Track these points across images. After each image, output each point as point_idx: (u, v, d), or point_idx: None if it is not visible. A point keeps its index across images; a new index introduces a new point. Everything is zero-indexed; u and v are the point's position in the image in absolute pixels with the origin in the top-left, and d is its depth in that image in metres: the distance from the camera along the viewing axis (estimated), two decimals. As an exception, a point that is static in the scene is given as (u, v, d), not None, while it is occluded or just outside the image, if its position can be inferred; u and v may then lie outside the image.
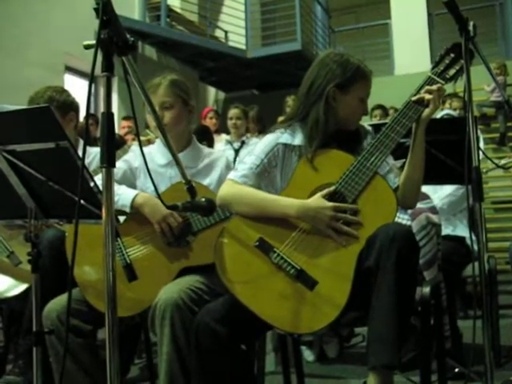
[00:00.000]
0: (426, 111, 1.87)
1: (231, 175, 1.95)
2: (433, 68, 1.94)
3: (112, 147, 1.26)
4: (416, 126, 1.89)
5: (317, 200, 1.79)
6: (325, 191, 1.79)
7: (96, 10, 1.25)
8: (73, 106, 2.72)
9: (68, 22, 7.57)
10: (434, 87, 1.87)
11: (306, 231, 1.79)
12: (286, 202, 1.81)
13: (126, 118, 6.13)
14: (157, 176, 2.25)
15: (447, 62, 1.93)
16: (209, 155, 2.37)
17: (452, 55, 1.93)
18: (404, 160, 2.32)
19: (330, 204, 1.76)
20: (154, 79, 2.29)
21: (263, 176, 1.96)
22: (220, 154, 2.40)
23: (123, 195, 2.12)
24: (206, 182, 2.24)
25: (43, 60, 7.28)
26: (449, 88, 2.17)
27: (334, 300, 1.68)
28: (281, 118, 5.50)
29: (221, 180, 2.27)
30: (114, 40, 1.27)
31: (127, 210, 2.11)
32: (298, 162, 1.92)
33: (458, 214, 3.57)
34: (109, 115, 1.26)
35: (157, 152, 2.33)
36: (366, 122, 2.12)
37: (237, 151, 5.14)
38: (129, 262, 2.11)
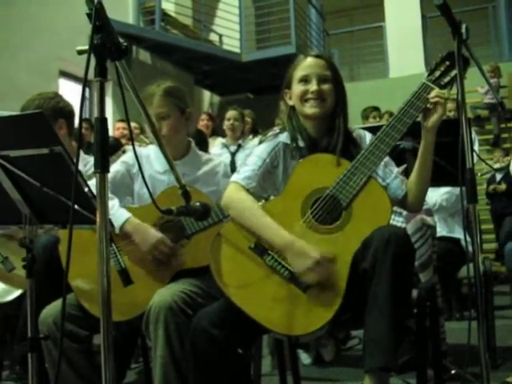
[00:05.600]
0: (434, 117, 1.87)
1: (234, 177, 1.95)
2: (428, 75, 1.95)
3: (106, 153, 1.26)
4: (425, 132, 1.90)
5: (307, 245, 1.74)
6: (320, 251, 1.72)
7: (89, 15, 1.25)
8: (63, 113, 2.60)
9: (62, 27, 7.56)
10: (443, 93, 1.88)
11: (300, 234, 1.79)
12: (276, 231, 1.78)
13: (121, 121, 6.08)
14: (154, 182, 2.25)
15: (442, 69, 1.94)
16: (207, 162, 2.36)
17: (447, 63, 1.94)
18: (405, 165, 2.33)
19: (317, 256, 1.70)
20: (148, 88, 2.26)
21: (266, 177, 1.96)
22: (218, 162, 2.39)
23: (114, 216, 2.10)
24: (204, 190, 2.22)
25: (37, 65, 7.26)
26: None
27: (327, 301, 1.68)
28: (278, 121, 5.51)
29: (219, 188, 2.26)
30: (107, 45, 1.27)
31: (116, 231, 2.10)
32: (297, 163, 1.93)
33: (455, 215, 3.58)
34: (102, 120, 1.26)
35: (154, 158, 2.33)
36: (360, 125, 2.13)
37: (233, 155, 5.14)
38: (124, 266, 2.11)
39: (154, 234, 2.09)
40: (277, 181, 2.00)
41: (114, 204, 2.13)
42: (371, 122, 5.47)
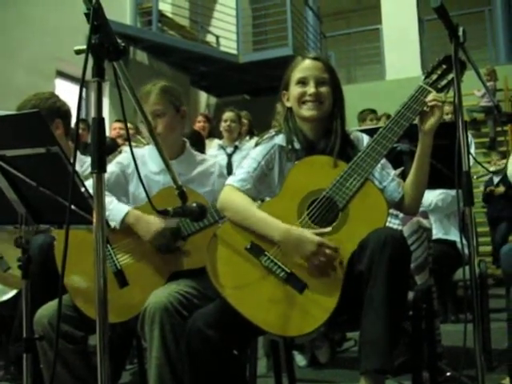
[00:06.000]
0: (431, 120, 1.87)
1: (230, 180, 1.96)
2: (425, 78, 1.95)
3: (103, 153, 1.25)
4: (422, 135, 1.90)
5: (304, 230, 1.76)
6: (318, 231, 1.76)
7: (87, 15, 1.25)
8: (60, 113, 2.60)
9: (59, 27, 7.55)
10: (440, 97, 1.89)
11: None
12: (272, 224, 1.79)
13: (118, 121, 6.07)
14: (149, 182, 2.24)
15: (439, 72, 1.94)
16: (202, 162, 2.36)
17: (444, 66, 1.94)
18: (402, 168, 2.34)
19: (318, 238, 1.73)
20: (144, 87, 2.27)
21: (261, 179, 1.97)
22: (213, 162, 2.39)
23: (114, 211, 2.10)
24: (199, 190, 2.22)
25: (34, 64, 7.25)
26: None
27: (323, 303, 1.68)
28: (275, 123, 5.51)
29: (214, 188, 2.26)
30: (105, 45, 1.26)
31: (117, 226, 2.10)
32: (293, 165, 1.93)
33: (451, 217, 3.59)
34: (99, 121, 1.26)
35: (149, 158, 2.32)
36: (356, 127, 2.13)
37: (230, 156, 5.14)
38: (119, 268, 2.10)
39: (157, 222, 2.08)
40: (272, 183, 2.00)
41: (111, 200, 2.13)
42: (368, 125, 5.46)
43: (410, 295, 2.00)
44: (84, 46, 1.27)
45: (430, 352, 2.30)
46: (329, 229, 1.76)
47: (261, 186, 1.97)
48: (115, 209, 2.11)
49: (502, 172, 4.13)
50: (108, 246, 2.12)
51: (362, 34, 12.18)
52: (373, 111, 5.88)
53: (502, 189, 6.85)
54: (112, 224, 2.09)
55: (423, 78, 1.96)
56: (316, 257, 1.71)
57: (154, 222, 2.07)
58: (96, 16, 1.24)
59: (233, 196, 1.91)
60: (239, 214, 1.86)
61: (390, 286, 1.60)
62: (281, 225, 1.78)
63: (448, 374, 2.62)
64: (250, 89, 11.54)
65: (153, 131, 1.61)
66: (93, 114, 1.28)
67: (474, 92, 8.47)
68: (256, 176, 1.95)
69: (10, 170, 1.67)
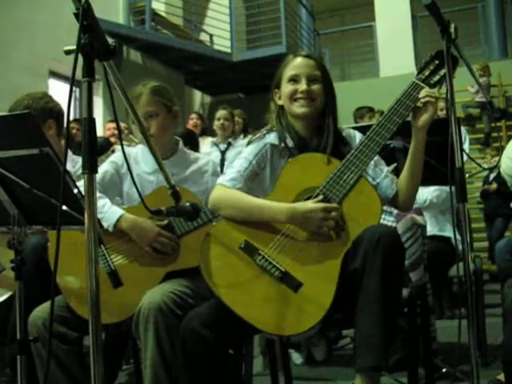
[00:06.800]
0: (424, 116, 1.87)
1: (220, 180, 1.95)
2: (417, 74, 1.95)
3: (94, 153, 1.25)
4: (416, 131, 1.90)
5: (306, 203, 1.78)
6: (314, 200, 1.78)
7: (76, 14, 1.24)
8: (52, 113, 2.58)
9: (52, 27, 7.52)
10: (433, 92, 1.89)
11: (290, 234, 1.79)
12: (276, 207, 1.80)
13: (112, 121, 6.07)
14: (142, 182, 2.24)
15: (432, 68, 1.94)
16: (195, 161, 2.35)
17: (436, 62, 1.94)
18: (395, 164, 2.34)
19: (320, 205, 1.75)
20: (135, 88, 2.26)
21: (252, 178, 1.96)
22: (206, 160, 2.38)
23: (107, 214, 2.09)
24: (193, 189, 2.21)
25: (27, 65, 7.23)
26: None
27: (318, 301, 1.68)
28: (270, 121, 5.50)
29: (208, 187, 2.25)
30: (95, 45, 1.26)
31: (110, 229, 2.09)
32: (286, 162, 1.93)
33: (446, 213, 3.60)
34: (90, 121, 1.25)
35: (142, 158, 2.32)
36: (351, 124, 2.13)
37: (223, 153, 5.14)
38: (113, 268, 2.10)
39: (152, 228, 2.08)
40: (264, 182, 1.99)
41: (105, 203, 2.12)
42: (366, 122, 5.44)
43: (405, 292, 2.00)
44: (74, 46, 1.26)
45: (425, 349, 2.30)
46: (318, 191, 1.78)
47: (253, 185, 1.96)
48: (108, 212, 2.09)
49: (497, 169, 4.15)
50: (102, 246, 2.11)
51: (355, 32, 12.20)
52: (371, 109, 5.86)
53: (494, 186, 6.90)
54: (105, 224, 2.08)
55: (416, 73, 1.96)
56: (326, 222, 1.74)
57: (149, 228, 2.07)
58: (85, 16, 1.23)
59: (226, 192, 1.90)
60: (236, 207, 1.85)
61: (384, 283, 1.60)
62: (283, 205, 1.80)
63: (443, 370, 2.62)
64: (244, 87, 11.54)
65: (145, 132, 1.60)
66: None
67: (467, 88, 8.48)
68: (247, 175, 1.94)
69: (1, 171, 1.66)
